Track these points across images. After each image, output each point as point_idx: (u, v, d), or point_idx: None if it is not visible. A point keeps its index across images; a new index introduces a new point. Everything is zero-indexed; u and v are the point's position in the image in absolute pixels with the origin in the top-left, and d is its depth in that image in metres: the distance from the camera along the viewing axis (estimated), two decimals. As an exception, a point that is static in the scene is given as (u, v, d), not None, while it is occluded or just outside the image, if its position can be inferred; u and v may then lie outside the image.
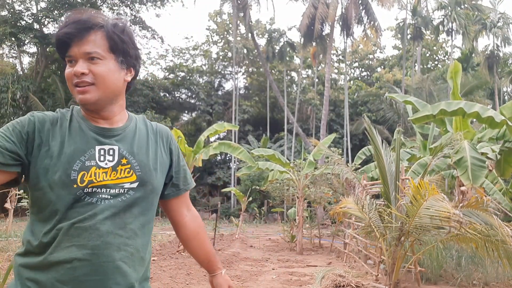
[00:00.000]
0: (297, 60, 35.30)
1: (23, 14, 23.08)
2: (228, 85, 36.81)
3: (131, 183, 1.22)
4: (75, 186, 1.17)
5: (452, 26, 29.30)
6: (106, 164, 1.21)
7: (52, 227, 1.17)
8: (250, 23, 29.40)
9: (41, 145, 1.19)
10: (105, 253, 1.16)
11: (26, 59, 27.63)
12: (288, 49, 31.60)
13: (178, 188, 1.41)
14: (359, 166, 12.16)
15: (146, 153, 1.28)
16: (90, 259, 1.15)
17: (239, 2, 28.35)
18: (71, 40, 1.19)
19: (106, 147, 1.23)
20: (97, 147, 1.22)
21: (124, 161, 1.23)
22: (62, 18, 1.25)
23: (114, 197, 1.20)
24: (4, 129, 1.19)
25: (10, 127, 1.19)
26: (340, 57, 37.30)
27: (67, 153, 1.18)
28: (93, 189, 1.18)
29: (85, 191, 1.17)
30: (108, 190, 1.19)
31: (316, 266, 8.15)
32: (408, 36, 31.07)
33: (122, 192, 1.21)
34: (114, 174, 1.21)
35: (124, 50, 1.24)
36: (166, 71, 35.71)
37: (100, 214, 1.17)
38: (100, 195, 1.19)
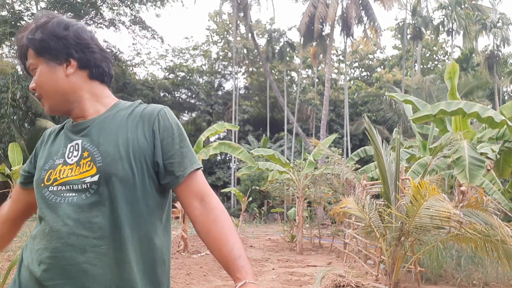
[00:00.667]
0: (297, 60, 35.31)
1: (23, 14, 23.09)
2: (228, 85, 36.87)
3: (92, 176, 1.12)
4: (42, 185, 1.17)
5: (452, 26, 29.31)
6: (71, 160, 1.16)
7: (35, 229, 1.19)
8: (250, 23, 29.40)
9: (39, 154, 1.28)
10: (66, 256, 1.08)
11: (26, 59, 27.61)
12: (288, 49, 31.60)
13: (175, 175, 1.18)
14: (359, 166, 12.17)
15: (113, 142, 1.15)
16: (52, 262, 1.09)
17: (239, 2, 28.35)
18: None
19: (73, 142, 1.19)
20: (69, 145, 1.20)
21: (85, 154, 1.15)
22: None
23: (78, 193, 1.12)
24: None
25: None
26: (340, 57, 37.31)
27: (45, 156, 1.22)
28: (58, 187, 1.14)
29: (49, 189, 1.15)
30: (71, 186, 1.13)
31: (316, 266, 8.15)
32: (408, 36, 31.08)
33: (85, 187, 1.11)
34: (78, 169, 1.14)
35: (44, 47, 1.18)
36: (166, 71, 35.71)
37: (62, 214, 1.11)
38: (64, 194, 1.13)
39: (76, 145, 1.18)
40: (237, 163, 27.32)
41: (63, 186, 1.14)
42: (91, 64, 1.22)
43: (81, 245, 1.08)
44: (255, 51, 31.14)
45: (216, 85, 36.22)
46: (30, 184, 1.28)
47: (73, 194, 1.12)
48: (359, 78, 38.19)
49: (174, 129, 1.20)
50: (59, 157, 1.19)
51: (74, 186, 1.13)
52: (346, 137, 27.98)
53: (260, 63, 32.31)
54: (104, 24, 26.04)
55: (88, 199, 1.11)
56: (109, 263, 1.09)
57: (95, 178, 1.11)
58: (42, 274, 1.11)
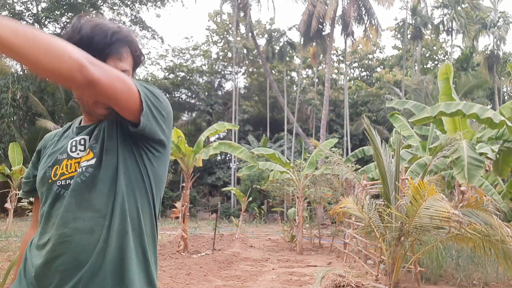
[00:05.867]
0: (297, 60, 35.32)
1: (23, 14, 23.10)
2: (228, 85, 36.87)
3: (88, 160, 1.17)
4: (49, 181, 1.19)
5: (452, 26, 29.32)
6: (78, 154, 1.20)
7: (40, 226, 1.21)
8: (251, 22, 29.40)
9: (42, 157, 1.31)
10: (76, 239, 1.11)
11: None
12: (288, 49, 31.60)
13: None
14: (359, 166, 12.18)
15: (113, 133, 1.21)
16: (60, 248, 1.11)
17: (239, 2, 28.36)
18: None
19: (78, 137, 1.23)
20: (70, 140, 1.24)
21: (89, 149, 1.20)
22: (92, 23, 1.18)
23: (74, 179, 1.15)
24: None
25: None
26: (340, 57, 37.31)
27: (50, 155, 1.25)
28: (67, 181, 1.17)
29: (58, 183, 1.18)
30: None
31: (316, 266, 8.16)
32: (408, 36, 31.09)
33: (81, 171, 1.15)
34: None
35: (137, 68, 1.31)
36: (166, 71, 35.73)
37: (66, 202, 1.14)
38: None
39: (82, 140, 1.23)
40: (237, 163, 27.34)
41: (72, 180, 1.17)
42: None
43: (88, 227, 1.12)
44: (255, 51, 31.14)
45: (216, 85, 36.23)
46: (35, 192, 1.33)
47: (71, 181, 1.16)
48: (359, 78, 38.20)
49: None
50: (62, 153, 1.23)
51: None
52: (346, 137, 27.98)
53: (260, 63, 32.31)
54: (104, 24, 26.01)
55: (83, 182, 1.14)
56: (114, 237, 1.13)
57: (92, 161, 1.16)
58: (53, 263, 1.12)
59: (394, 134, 12.34)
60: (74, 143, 1.23)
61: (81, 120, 1.33)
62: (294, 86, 34.50)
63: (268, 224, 22.60)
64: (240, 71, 34.94)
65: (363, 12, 27.48)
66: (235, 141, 25.08)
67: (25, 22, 22.89)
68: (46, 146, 1.33)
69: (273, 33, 32.25)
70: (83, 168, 1.16)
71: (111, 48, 1.17)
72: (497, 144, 8.49)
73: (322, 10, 25.91)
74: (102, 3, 24.70)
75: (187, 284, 6.10)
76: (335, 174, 9.87)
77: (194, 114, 34.06)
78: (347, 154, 26.74)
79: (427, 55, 37.17)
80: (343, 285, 5.58)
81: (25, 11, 23.31)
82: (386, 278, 5.62)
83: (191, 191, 14.92)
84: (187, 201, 9.73)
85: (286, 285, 6.36)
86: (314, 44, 28.76)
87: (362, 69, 39.57)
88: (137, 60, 1.28)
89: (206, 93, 33.82)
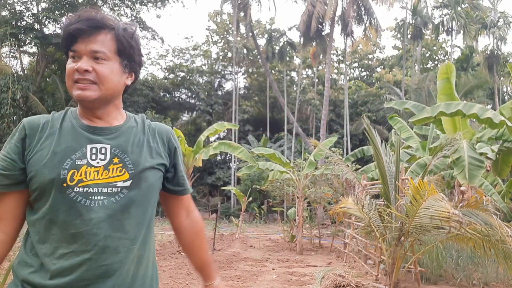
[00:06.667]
0: (297, 60, 35.32)
1: (24, 14, 23.07)
2: (228, 85, 36.87)
3: (124, 181, 1.18)
4: (64, 185, 1.14)
5: (452, 26, 29.32)
6: (97, 163, 1.18)
7: (46, 232, 1.16)
8: (251, 22, 29.40)
9: (33, 148, 1.18)
10: (103, 257, 1.14)
11: (26, 59, 27.63)
12: (288, 49, 31.59)
13: (184, 187, 1.41)
14: (359, 166, 12.18)
15: (140, 152, 1.24)
16: (90, 264, 1.13)
17: (239, 1, 28.35)
18: (79, 36, 1.19)
19: (98, 145, 1.20)
20: (89, 146, 1.19)
21: (116, 160, 1.20)
22: (72, 15, 1.23)
23: (108, 197, 1.16)
24: (4, 149, 1.21)
25: (8, 144, 1.21)
26: (340, 57, 37.30)
27: (57, 153, 1.17)
28: (85, 189, 1.15)
29: (75, 190, 1.14)
30: (100, 189, 1.16)
31: (316, 266, 8.15)
32: (408, 36, 31.09)
33: (116, 191, 1.17)
34: (106, 173, 1.18)
35: (130, 55, 1.26)
36: (166, 71, 35.74)
37: (95, 217, 1.14)
38: (93, 196, 1.15)
39: (103, 149, 1.21)
40: (237, 163, 27.34)
41: (91, 189, 1.16)
42: (136, 81, 1.34)
43: (115, 246, 1.16)
44: (255, 51, 31.14)
45: (216, 85, 36.23)
46: (14, 186, 1.19)
47: (103, 197, 1.16)
48: (359, 78, 38.21)
49: (180, 150, 1.40)
50: (79, 157, 1.18)
51: (103, 189, 1.17)
52: (346, 137, 27.98)
53: (260, 63, 32.32)
54: (104, 25, 26.03)
55: (118, 202, 1.18)
56: (134, 261, 1.21)
57: (127, 183, 1.20)
58: (78, 277, 1.13)
59: (393, 135, 12.33)
60: (94, 151, 1.19)
61: (77, 112, 1.28)
62: (294, 86, 34.49)
63: (268, 224, 22.59)
64: (240, 71, 34.95)
65: (363, 12, 27.47)
66: (235, 141, 25.09)
67: (25, 22, 22.87)
68: (35, 136, 1.20)
69: (273, 33, 32.23)
70: (119, 188, 1.18)
71: (73, 27, 1.19)
72: (497, 144, 8.49)
73: (322, 10, 25.91)
74: (102, 4, 24.66)
75: (187, 284, 6.10)
76: (335, 174, 9.86)
77: (194, 114, 34.06)
78: (347, 154, 26.71)
79: (427, 55, 37.17)
80: (343, 285, 5.57)
81: (25, 11, 23.26)
82: (386, 278, 5.62)
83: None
84: (187, 201, 9.72)
85: (286, 285, 6.36)
86: (314, 44, 28.76)
87: (362, 69, 39.57)
88: (120, 46, 1.23)
89: (206, 93, 33.82)
